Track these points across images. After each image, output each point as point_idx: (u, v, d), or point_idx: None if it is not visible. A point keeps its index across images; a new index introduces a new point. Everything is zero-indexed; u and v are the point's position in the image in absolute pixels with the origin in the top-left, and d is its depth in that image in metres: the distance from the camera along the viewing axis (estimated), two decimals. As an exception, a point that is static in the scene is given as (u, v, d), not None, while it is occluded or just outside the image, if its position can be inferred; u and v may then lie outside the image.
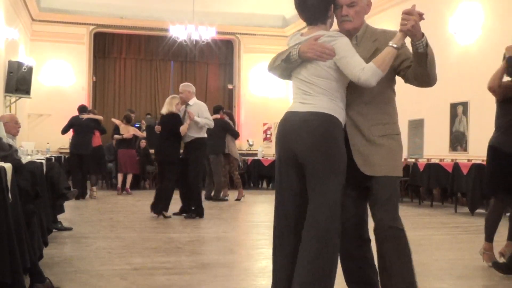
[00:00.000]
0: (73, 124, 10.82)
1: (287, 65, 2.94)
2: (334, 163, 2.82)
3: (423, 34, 2.74)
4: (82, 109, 11.14)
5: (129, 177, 12.26)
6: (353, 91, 2.92)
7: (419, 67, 2.78)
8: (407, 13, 2.74)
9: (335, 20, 3.01)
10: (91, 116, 11.00)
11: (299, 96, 2.94)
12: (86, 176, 10.87)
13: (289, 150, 2.90)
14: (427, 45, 2.73)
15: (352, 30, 2.96)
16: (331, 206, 2.79)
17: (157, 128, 8.04)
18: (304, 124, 2.83)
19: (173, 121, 7.92)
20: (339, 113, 2.87)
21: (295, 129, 2.87)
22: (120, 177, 12.14)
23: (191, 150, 7.97)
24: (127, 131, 12.20)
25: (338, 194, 2.82)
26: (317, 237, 2.76)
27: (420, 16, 2.74)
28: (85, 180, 10.84)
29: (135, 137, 12.65)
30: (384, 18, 12.03)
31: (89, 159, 10.72)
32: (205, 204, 9.96)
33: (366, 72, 2.74)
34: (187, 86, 8.27)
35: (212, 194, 10.62)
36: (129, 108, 15.07)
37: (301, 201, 2.89)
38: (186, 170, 7.87)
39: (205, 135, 8.14)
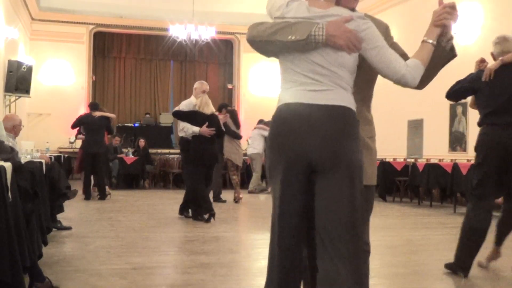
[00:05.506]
0: (84, 121, 10.54)
1: (302, 47, 2.23)
2: (360, 170, 2.29)
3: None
4: (94, 106, 10.86)
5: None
6: None
7: (433, 69, 2.40)
8: (452, 7, 2.35)
9: None
10: (104, 114, 10.81)
11: (307, 84, 2.26)
12: (102, 176, 10.52)
13: (300, 152, 2.25)
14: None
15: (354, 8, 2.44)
16: (355, 220, 2.26)
17: (211, 130, 7.45)
18: (327, 120, 2.22)
19: (218, 121, 7.78)
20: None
21: (312, 125, 2.22)
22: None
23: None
24: None
25: (359, 204, 2.28)
26: (347, 257, 2.22)
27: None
28: (102, 180, 10.49)
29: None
30: (383, 18, 12.02)
31: (101, 158, 10.55)
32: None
33: (411, 69, 2.26)
34: None
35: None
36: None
37: (307, 215, 2.34)
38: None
39: None
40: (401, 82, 2.28)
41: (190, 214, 7.74)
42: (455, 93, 4.46)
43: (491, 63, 4.37)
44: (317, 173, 2.27)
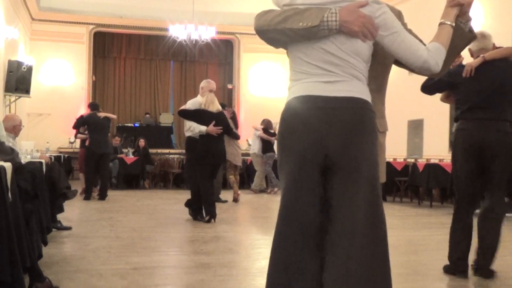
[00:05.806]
0: (89, 122, 10.49)
1: (313, 35, 2.07)
2: (376, 168, 2.15)
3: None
4: (96, 106, 10.84)
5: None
6: None
7: (453, 52, 2.25)
8: None
9: None
10: (108, 115, 10.88)
11: (319, 76, 2.11)
12: (106, 176, 10.60)
13: (313, 148, 2.09)
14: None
15: None
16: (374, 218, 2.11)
17: (218, 129, 7.37)
18: (343, 114, 2.07)
19: (225, 119, 7.74)
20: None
21: (326, 119, 2.07)
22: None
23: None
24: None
25: (380, 201, 2.14)
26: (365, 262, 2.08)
27: None
28: (106, 180, 10.58)
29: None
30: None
31: (108, 158, 10.61)
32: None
33: (433, 53, 2.11)
34: None
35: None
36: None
37: (322, 215, 2.12)
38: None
39: None
40: (423, 68, 2.13)
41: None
42: (433, 86, 4.41)
43: (469, 59, 4.36)
44: (330, 171, 2.10)
